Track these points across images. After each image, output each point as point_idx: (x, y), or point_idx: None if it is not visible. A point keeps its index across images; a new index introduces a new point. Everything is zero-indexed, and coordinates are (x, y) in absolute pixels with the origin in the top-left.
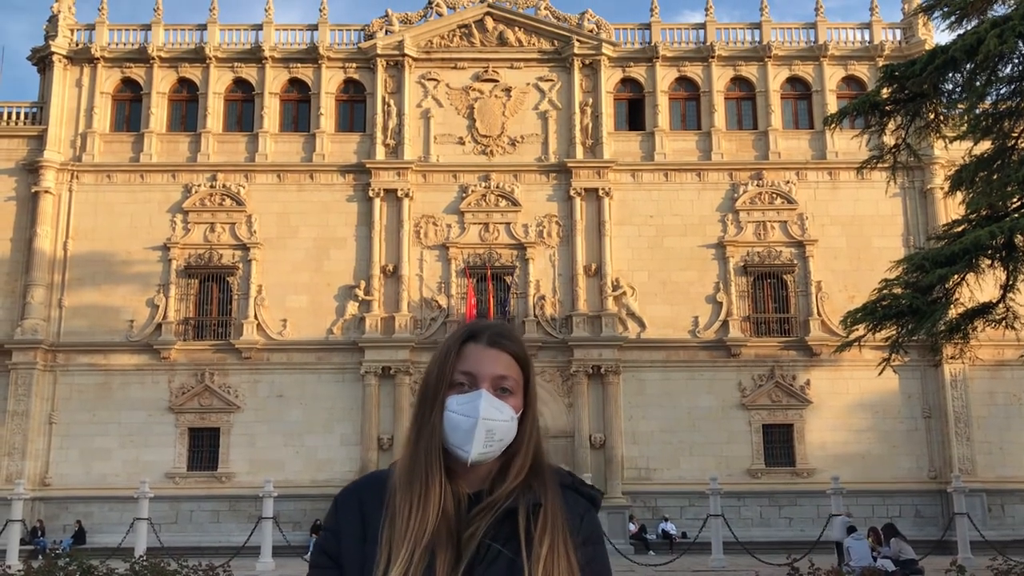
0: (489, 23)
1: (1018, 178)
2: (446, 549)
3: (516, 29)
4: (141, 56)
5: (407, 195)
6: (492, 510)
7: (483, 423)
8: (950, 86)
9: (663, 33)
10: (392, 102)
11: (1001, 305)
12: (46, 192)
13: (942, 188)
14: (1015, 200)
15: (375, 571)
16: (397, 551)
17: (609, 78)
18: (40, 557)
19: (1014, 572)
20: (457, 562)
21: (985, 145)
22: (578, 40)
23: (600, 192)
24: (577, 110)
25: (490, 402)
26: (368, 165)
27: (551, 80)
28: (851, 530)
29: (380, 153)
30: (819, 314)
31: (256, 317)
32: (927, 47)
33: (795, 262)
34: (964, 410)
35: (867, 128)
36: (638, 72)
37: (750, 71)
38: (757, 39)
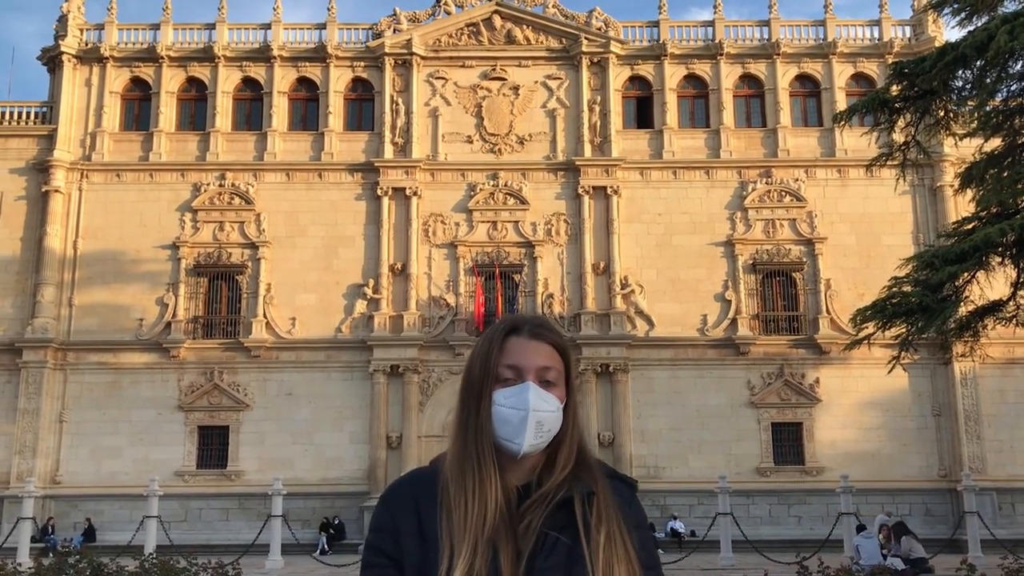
0: (497, 21)
1: None
2: (507, 542)
3: (524, 27)
4: (150, 55)
5: (415, 193)
6: (545, 501)
7: (533, 415)
8: (960, 83)
9: (671, 31)
10: (400, 100)
11: (1011, 303)
12: (56, 191)
13: (952, 185)
14: None
15: (440, 568)
16: (459, 546)
17: (617, 76)
18: (51, 555)
19: None
20: (518, 554)
21: (995, 142)
22: (586, 38)
23: (608, 190)
24: (585, 108)
25: (538, 394)
26: (376, 164)
27: (559, 78)
28: (860, 528)
29: (388, 152)
30: (828, 312)
31: (265, 315)
32: (937, 44)
33: (804, 260)
34: (974, 408)
35: (876, 125)
36: (646, 70)
37: (759, 69)
38: (766, 36)
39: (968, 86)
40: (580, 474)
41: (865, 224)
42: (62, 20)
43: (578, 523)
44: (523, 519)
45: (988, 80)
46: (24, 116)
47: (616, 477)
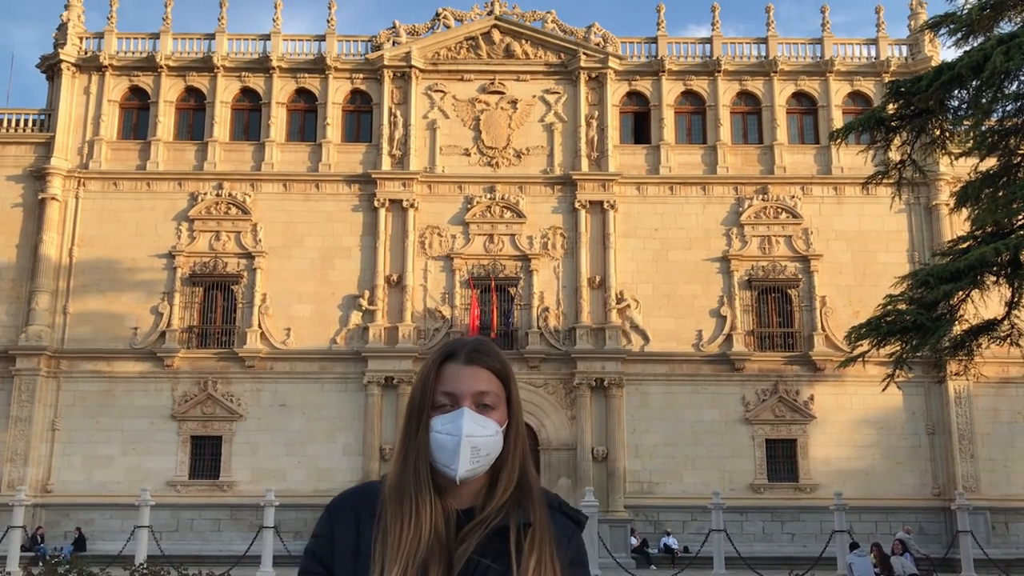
0: (496, 35)
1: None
2: (438, 566)
3: (523, 42)
4: (149, 65)
5: (412, 206)
6: (483, 527)
7: (467, 440)
8: (956, 102)
9: (669, 47)
10: (398, 113)
11: (1006, 322)
12: (52, 199)
13: (947, 204)
14: (1020, 217)
15: None
16: (390, 567)
17: (615, 91)
18: (40, 564)
19: None
20: None
21: (991, 162)
22: (584, 53)
23: (605, 205)
24: (583, 123)
25: (472, 419)
26: (374, 175)
27: (557, 93)
28: (853, 546)
29: (386, 163)
30: (823, 329)
31: (260, 326)
32: (933, 63)
33: (800, 277)
34: (968, 427)
35: (873, 144)
36: (644, 86)
37: (756, 86)
38: (763, 54)
39: (964, 106)
40: (522, 501)
41: (861, 242)
42: (61, 28)
43: (511, 552)
44: (462, 544)
45: (984, 100)
46: (22, 123)
47: (562, 511)
